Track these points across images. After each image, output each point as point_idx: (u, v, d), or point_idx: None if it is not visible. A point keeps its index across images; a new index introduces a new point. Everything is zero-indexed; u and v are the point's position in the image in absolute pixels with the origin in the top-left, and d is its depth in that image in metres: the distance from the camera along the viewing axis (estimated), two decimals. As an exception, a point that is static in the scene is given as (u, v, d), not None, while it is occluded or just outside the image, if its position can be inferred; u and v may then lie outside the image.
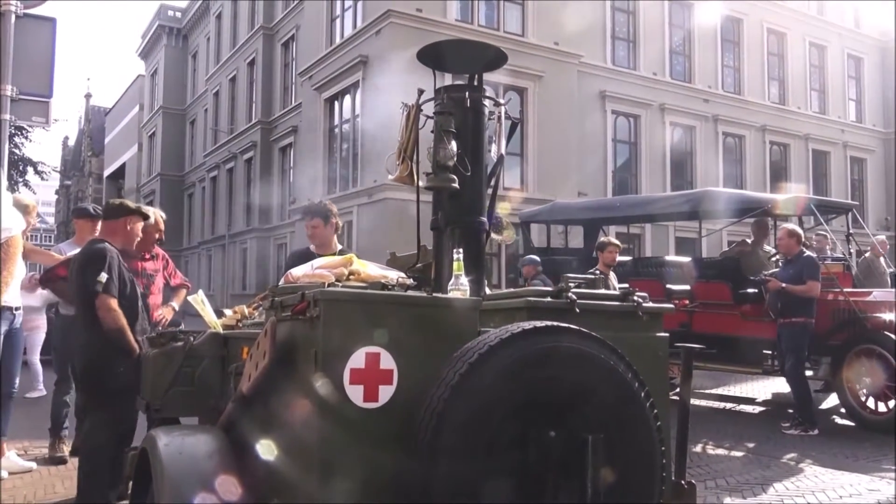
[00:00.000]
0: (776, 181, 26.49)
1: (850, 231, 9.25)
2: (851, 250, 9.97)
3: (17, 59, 4.91)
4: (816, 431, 6.97)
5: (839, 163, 29.26)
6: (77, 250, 5.19)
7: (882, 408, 7.15)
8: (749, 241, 9.07)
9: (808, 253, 7.45)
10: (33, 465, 5.45)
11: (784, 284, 7.19)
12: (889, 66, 29.40)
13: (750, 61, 27.03)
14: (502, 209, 2.99)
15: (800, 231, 7.63)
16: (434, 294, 2.27)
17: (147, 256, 4.77)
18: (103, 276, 3.72)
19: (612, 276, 7.64)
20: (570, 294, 2.29)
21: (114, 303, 3.74)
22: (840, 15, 29.72)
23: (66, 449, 5.70)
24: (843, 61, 29.97)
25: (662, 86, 24.45)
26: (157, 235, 4.71)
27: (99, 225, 5.87)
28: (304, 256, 4.35)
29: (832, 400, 8.37)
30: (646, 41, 24.47)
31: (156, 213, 4.70)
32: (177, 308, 5.04)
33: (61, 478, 5.15)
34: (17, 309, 5.20)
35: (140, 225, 4.14)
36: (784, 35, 28.06)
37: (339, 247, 4.58)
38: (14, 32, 4.89)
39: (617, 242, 7.82)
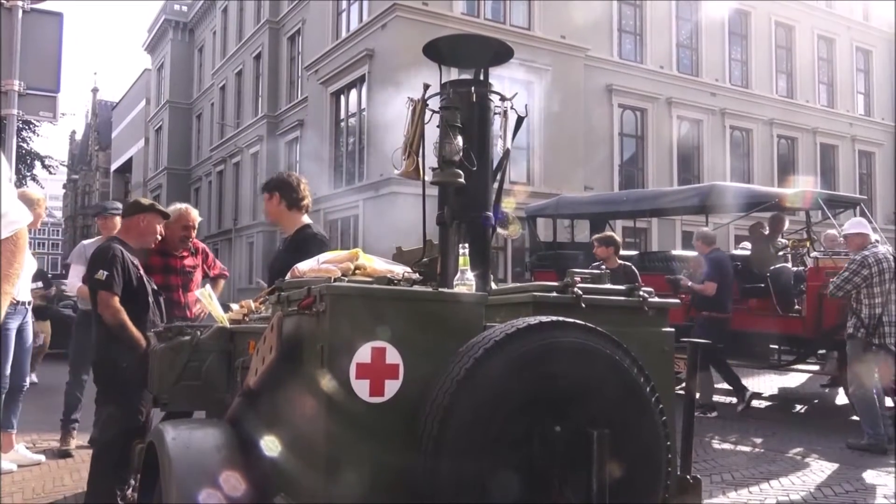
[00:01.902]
0: (784, 175, 26.38)
1: (859, 225, 9.20)
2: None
3: (25, 53, 4.92)
4: (714, 414, 7.57)
5: (847, 156, 29.10)
6: None
7: (889, 402, 7.13)
8: (765, 230, 9.02)
9: (715, 254, 7.89)
10: (42, 457, 5.50)
11: (690, 283, 7.69)
12: (898, 59, 29.23)
13: (757, 54, 26.88)
14: (507, 205, 2.99)
15: (710, 233, 8.27)
16: (440, 289, 2.27)
17: (186, 253, 4.78)
18: (102, 274, 3.79)
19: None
20: (575, 289, 2.29)
21: (113, 299, 3.78)
22: (848, 7, 29.50)
23: (74, 443, 5.75)
24: (852, 54, 29.78)
25: (669, 79, 24.35)
26: (182, 233, 4.70)
27: (118, 221, 5.95)
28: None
29: (842, 397, 8.36)
30: (653, 34, 24.36)
31: (180, 210, 4.70)
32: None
33: (69, 470, 5.19)
34: (28, 303, 5.25)
35: (157, 222, 4.16)
36: (792, 28, 27.89)
37: (303, 223, 4.04)
38: (21, 27, 4.91)
39: (608, 236, 7.80)
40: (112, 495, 3.75)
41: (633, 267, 7.38)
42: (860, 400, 6.26)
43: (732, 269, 7.98)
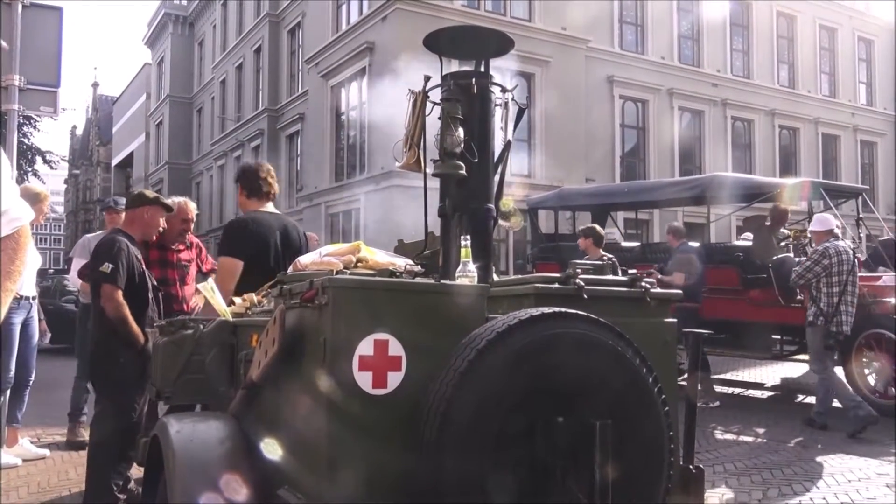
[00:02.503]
0: (785, 166, 26.34)
1: (860, 215, 9.21)
2: (861, 235, 9.93)
3: (25, 48, 4.93)
4: (716, 404, 7.67)
5: (849, 147, 29.03)
6: None
7: (891, 391, 7.15)
8: (767, 222, 9.01)
9: (684, 247, 8.24)
10: (46, 452, 5.52)
11: (660, 276, 7.76)
12: (900, 49, 29.12)
13: (759, 45, 26.79)
14: (504, 204, 2.99)
15: (679, 227, 8.71)
16: (442, 281, 2.27)
17: (182, 247, 4.78)
18: (107, 266, 3.78)
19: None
20: (577, 280, 2.29)
21: (117, 293, 3.77)
22: (850, -4, 29.43)
23: (85, 433, 5.77)
24: (854, 44, 29.67)
25: (671, 70, 24.29)
26: (182, 226, 4.71)
27: (121, 216, 5.97)
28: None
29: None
30: (654, 25, 24.28)
31: (180, 203, 4.70)
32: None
33: (74, 465, 5.21)
34: (32, 298, 5.26)
35: (160, 215, 4.15)
36: (794, 18, 27.78)
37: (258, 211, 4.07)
38: (21, 22, 4.90)
39: (587, 227, 7.98)
40: (110, 491, 3.76)
41: (613, 259, 7.42)
42: (823, 382, 6.68)
43: (702, 261, 8.13)
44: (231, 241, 3.82)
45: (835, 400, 6.66)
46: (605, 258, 7.32)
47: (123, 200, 6.20)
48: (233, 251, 3.74)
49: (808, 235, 8.80)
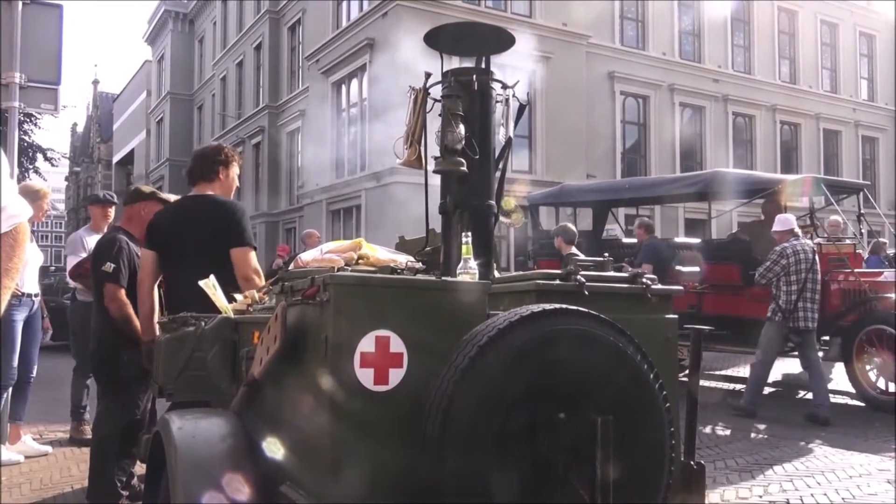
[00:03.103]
0: (787, 161, 26.32)
1: (862, 211, 9.20)
2: (863, 230, 9.93)
3: (25, 46, 4.92)
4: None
5: (850, 142, 28.99)
6: (95, 236, 5.25)
7: (892, 388, 7.15)
8: (761, 219, 9.04)
9: (651, 241, 8.61)
10: (49, 448, 5.53)
11: (630, 269, 7.91)
12: (902, 44, 29.05)
13: (760, 40, 26.74)
14: (506, 203, 3.00)
15: (649, 222, 9.23)
16: (443, 278, 2.27)
17: None
18: (109, 266, 3.79)
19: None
20: (578, 276, 2.29)
21: (120, 292, 3.78)
22: (852, -9, 29.35)
23: (90, 430, 5.78)
24: (856, 39, 29.61)
25: (672, 66, 24.25)
26: None
27: (110, 211, 5.96)
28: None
29: (840, 380, 8.34)
30: (655, 21, 24.24)
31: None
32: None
33: (77, 461, 5.22)
34: (35, 295, 5.27)
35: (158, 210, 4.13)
36: (795, 13, 27.72)
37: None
38: (21, 20, 4.90)
39: (559, 226, 8.20)
40: (113, 487, 3.77)
41: (579, 254, 7.54)
42: (757, 369, 7.09)
43: (668, 254, 8.54)
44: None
45: (813, 393, 6.89)
46: (569, 254, 7.49)
47: (112, 195, 6.23)
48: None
49: (810, 232, 8.82)
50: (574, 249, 7.63)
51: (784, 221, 7.19)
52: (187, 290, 3.27)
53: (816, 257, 6.92)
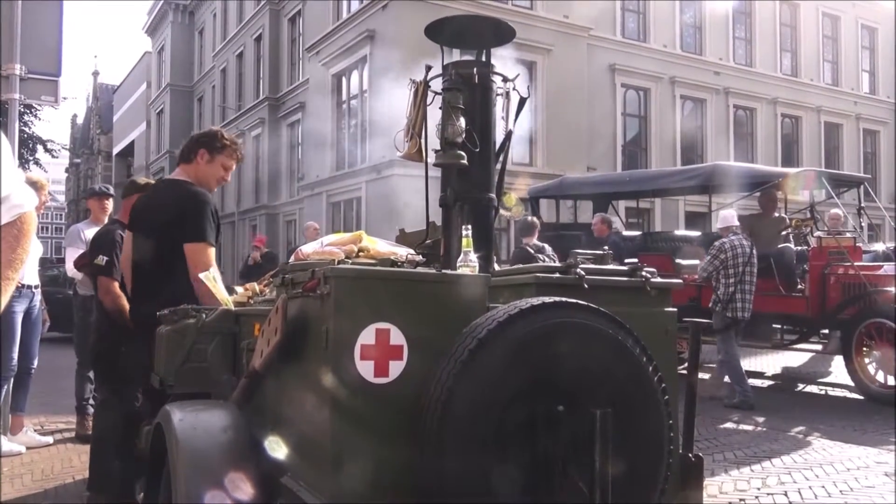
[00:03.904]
0: (787, 155, 26.28)
1: (862, 204, 9.20)
2: (863, 224, 9.93)
3: (25, 37, 4.92)
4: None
5: (852, 135, 28.94)
6: (94, 228, 5.26)
7: (891, 381, 7.16)
8: (760, 212, 9.03)
9: (613, 238, 8.98)
10: (50, 439, 5.56)
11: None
12: (904, 37, 28.95)
13: (762, 33, 26.66)
14: (507, 200, 3.01)
15: (609, 218, 9.56)
16: (443, 270, 2.28)
17: None
18: (102, 259, 3.80)
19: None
20: (578, 269, 2.29)
21: (113, 285, 3.79)
22: (854, -16, 29.24)
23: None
24: (857, 32, 29.52)
25: (673, 59, 24.19)
26: None
27: (107, 203, 5.97)
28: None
29: (839, 373, 8.37)
30: (656, 13, 24.16)
31: None
32: None
33: (78, 452, 5.24)
34: (35, 287, 5.28)
35: None
36: (797, 5, 27.63)
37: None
38: (21, 11, 4.89)
39: (524, 220, 8.27)
40: (110, 481, 3.77)
41: (545, 246, 7.91)
42: (726, 363, 7.27)
43: (626, 248, 8.75)
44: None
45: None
46: (538, 245, 7.78)
47: (108, 187, 6.23)
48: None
49: (810, 225, 8.83)
50: (534, 241, 7.82)
51: (724, 219, 7.67)
52: (145, 277, 3.29)
53: (754, 251, 7.29)
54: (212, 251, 3.16)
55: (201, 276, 3.05)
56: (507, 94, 2.80)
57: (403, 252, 2.72)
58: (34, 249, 5.16)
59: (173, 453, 2.24)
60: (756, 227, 8.73)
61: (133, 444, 3.16)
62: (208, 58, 36.00)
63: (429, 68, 2.72)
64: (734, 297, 7.14)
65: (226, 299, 3.06)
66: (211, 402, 2.70)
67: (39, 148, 27.80)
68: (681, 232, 11.68)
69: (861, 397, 7.44)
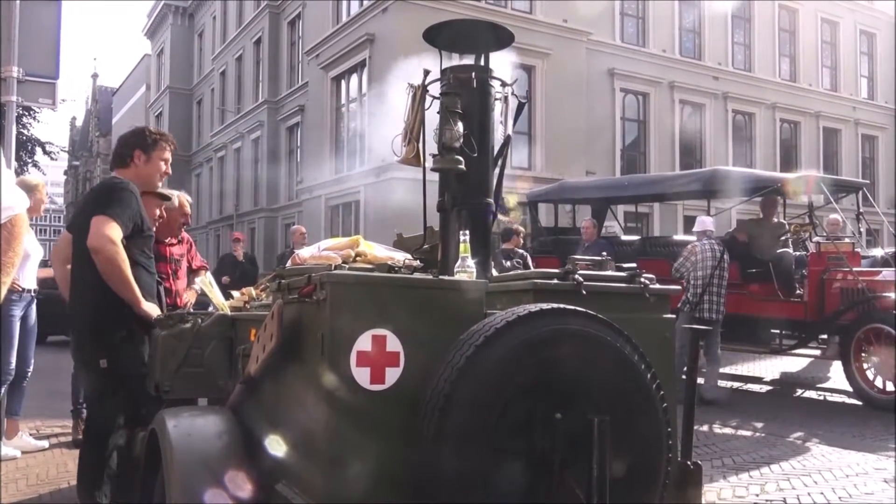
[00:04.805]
0: (786, 159, 26.30)
1: (861, 210, 9.19)
2: (862, 229, 9.93)
3: (23, 40, 4.91)
4: None
5: (850, 141, 28.97)
6: None
7: (890, 387, 7.15)
8: (759, 217, 9.04)
9: (600, 242, 9.28)
10: (45, 444, 5.52)
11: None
12: (903, 43, 29.00)
13: (761, 38, 26.70)
14: (508, 200, 3.00)
15: (595, 221, 9.93)
16: (440, 276, 2.27)
17: (174, 241, 4.75)
18: None
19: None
20: (576, 276, 2.28)
21: None
22: (853, -10, 29.29)
23: None
24: (856, 37, 29.57)
25: (672, 63, 24.21)
26: (182, 220, 4.67)
27: None
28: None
29: (838, 379, 8.36)
30: (655, 18, 24.19)
31: (181, 197, 4.66)
32: (199, 291, 5.03)
33: (73, 457, 5.20)
34: (34, 291, 5.26)
35: (154, 205, 4.09)
36: (796, 11, 27.68)
37: None
38: (19, 13, 4.88)
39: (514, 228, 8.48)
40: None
41: (523, 252, 8.16)
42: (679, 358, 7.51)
43: (609, 250, 8.71)
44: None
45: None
46: (511, 251, 7.94)
47: None
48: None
49: (809, 230, 8.83)
50: (511, 247, 8.05)
51: (702, 223, 7.93)
52: (75, 275, 3.31)
53: (725, 255, 7.50)
54: (114, 226, 3.04)
55: (197, 280, 3.04)
56: (506, 98, 2.79)
57: (401, 257, 2.71)
58: (34, 252, 5.14)
59: (167, 459, 2.23)
60: (755, 232, 8.73)
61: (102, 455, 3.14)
62: (208, 60, 36.01)
63: (427, 72, 2.71)
64: (702, 298, 7.39)
65: (222, 304, 3.04)
66: (206, 407, 2.69)
67: (38, 150, 27.79)
68: (679, 237, 11.66)
69: (860, 403, 7.43)
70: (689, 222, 21.47)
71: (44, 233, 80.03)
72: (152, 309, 3.12)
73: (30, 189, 4.89)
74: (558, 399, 1.97)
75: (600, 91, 22.45)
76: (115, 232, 3.02)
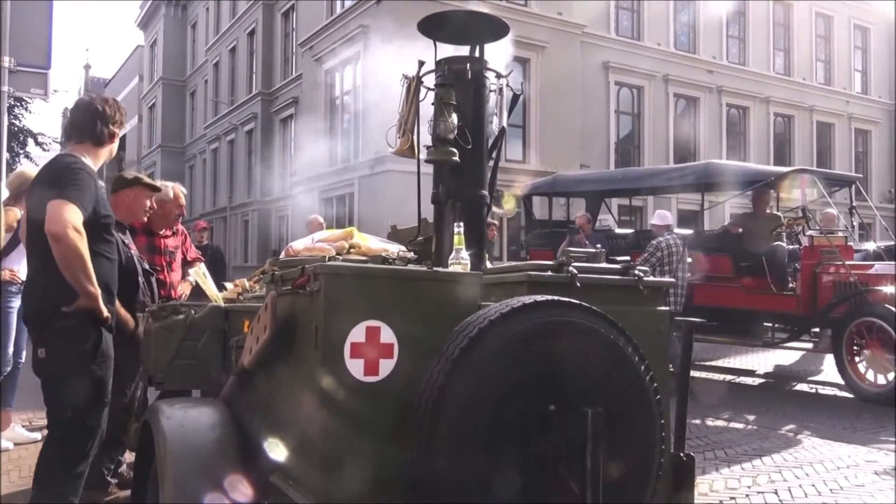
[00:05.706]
0: (780, 153, 26.37)
1: (854, 204, 9.23)
2: (854, 223, 9.96)
3: (15, 30, 4.86)
4: None
5: (843, 135, 29.05)
6: None
7: (881, 380, 7.19)
8: (752, 211, 9.07)
9: (593, 236, 9.37)
10: (38, 435, 5.50)
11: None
12: (896, 37, 29.07)
13: (755, 32, 26.73)
14: (506, 201, 2.99)
15: (590, 216, 10.12)
16: (434, 268, 2.26)
17: (169, 233, 4.72)
18: None
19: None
20: (570, 268, 2.28)
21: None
22: (847, -16, 29.33)
23: None
24: (850, 31, 29.61)
25: (667, 57, 24.21)
26: (177, 212, 4.64)
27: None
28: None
29: (830, 372, 8.41)
30: (650, 11, 24.18)
31: (175, 189, 4.63)
32: (194, 283, 5.01)
33: (66, 448, 5.20)
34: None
35: (145, 196, 4.05)
36: (790, 5, 27.71)
37: None
38: (10, 3, 4.84)
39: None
40: (101, 475, 3.74)
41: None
42: None
43: (595, 242, 8.96)
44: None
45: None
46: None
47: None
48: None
49: (802, 224, 8.86)
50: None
51: (661, 217, 8.05)
52: (28, 255, 3.21)
53: (686, 250, 7.63)
54: (72, 209, 2.77)
55: (191, 271, 3.03)
56: (501, 90, 2.79)
57: (395, 249, 2.71)
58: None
59: (161, 451, 2.22)
60: (748, 225, 8.75)
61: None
62: (201, 52, 35.81)
63: (421, 64, 2.70)
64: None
65: (215, 295, 3.03)
66: (199, 399, 2.69)
67: (30, 141, 27.61)
68: (675, 230, 11.68)
69: (851, 396, 7.47)
70: (682, 216, 21.59)
71: (36, 224, 79.50)
72: (106, 309, 2.84)
73: (27, 181, 4.86)
74: (552, 391, 1.97)
75: (595, 84, 22.44)
76: (75, 216, 2.76)
